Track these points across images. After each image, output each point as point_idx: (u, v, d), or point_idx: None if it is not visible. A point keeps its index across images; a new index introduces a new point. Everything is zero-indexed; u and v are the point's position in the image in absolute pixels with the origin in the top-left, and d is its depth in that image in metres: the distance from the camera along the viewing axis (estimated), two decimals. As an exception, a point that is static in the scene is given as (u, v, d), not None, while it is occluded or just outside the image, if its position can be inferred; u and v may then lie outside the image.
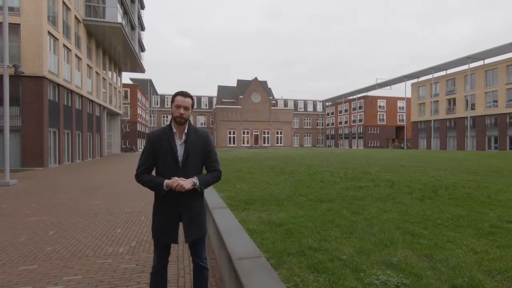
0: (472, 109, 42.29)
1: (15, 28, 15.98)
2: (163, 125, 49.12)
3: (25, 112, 16.02)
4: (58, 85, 18.40)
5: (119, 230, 4.78)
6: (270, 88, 64.75)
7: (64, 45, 19.31)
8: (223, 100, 62.61)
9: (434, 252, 2.78)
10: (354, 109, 66.98)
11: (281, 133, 57.53)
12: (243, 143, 54.98)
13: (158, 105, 67.68)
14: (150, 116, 65.21)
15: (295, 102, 77.88)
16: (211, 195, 5.19)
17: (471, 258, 2.64)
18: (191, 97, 2.11)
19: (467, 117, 42.45)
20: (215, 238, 3.63)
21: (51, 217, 5.58)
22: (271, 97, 59.27)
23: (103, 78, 28.63)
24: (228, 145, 53.90)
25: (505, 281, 2.19)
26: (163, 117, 68.18)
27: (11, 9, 16.29)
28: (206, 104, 71.65)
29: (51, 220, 5.37)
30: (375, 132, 63.95)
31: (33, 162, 16.02)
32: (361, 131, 64.42)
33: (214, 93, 70.74)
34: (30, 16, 16.07)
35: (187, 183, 1.93)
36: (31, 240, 4.27)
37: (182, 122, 2.05)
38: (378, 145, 63.26)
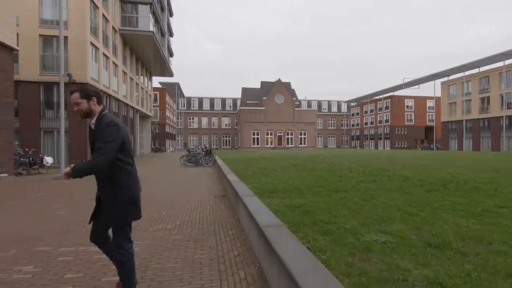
0: (508, 108, 40.20)
1: (64, 40, 17.95)
2: (189, 127, 51.03)
3: (71, 115, 17.94)
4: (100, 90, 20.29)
5: (164, 213, 5.78)
6: (293, 89, 65.13)
7: (104, 54, 21.23)
8: (247, 101, 63.93)
9: (423, 226, 3.42)
10: (380, 109, 65.63)
11: (304, 134, 57.73)
12: (267, 144, 55.83)
13: (185, 107, 70.28)
14: (177, 118, 67.95)
15: (319, 103, 77.61)
16: (240, 185, 6.15)
17: (452, 229, 3.25)
18: (77, 91, 2.26)
19: (502, 117, 40.42)
20: (245, 217, 4.49)
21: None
22: (294, 98, 59.67)
23: (136, 82, 30.74)
24: (252, 146, 54.98)
25: (471, 243, 2.80)
26: (189, 118, 70.70)
27: (58, 22, 18.32)
28: (230, 106, 73.37)
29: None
30: (402, 132, 62.25)
31: (78, 159, 17.86)
32: (388, 132, 62.99)
33: (238, 94, 72.27)
34: (76, 29, 17.96)
35: (65, 170, 2.17)
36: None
37: (81, 116, 2.30)
38: (405, 146, 61.51)
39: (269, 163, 15.14)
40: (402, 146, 61.47)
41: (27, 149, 12.91)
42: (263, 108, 56.13)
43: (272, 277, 2.67)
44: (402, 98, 62.74)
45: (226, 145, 70.35)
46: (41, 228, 4.64)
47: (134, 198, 2.38)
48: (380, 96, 65.81)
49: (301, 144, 57.35)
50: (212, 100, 73.17)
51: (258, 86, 64.75)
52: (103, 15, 21.18)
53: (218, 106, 72.95)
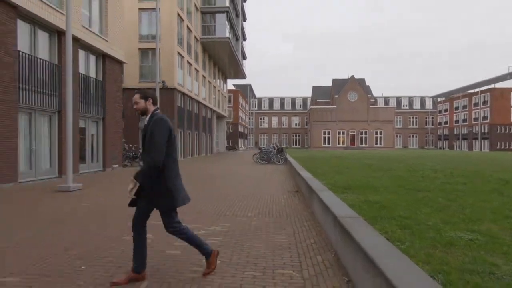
0: None
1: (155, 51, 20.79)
2: (260, 126, 52.50)
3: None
4: (183, 94, 22.81)
5: (244, 202, 6.37)
6: (368, 86, 61.21)
7: (188, 61, 23.75)
8: (317, 100, 62.77)
9: (523, 230, 3.09)
10: (476, 104, 56.53)
11: (381, 133, 53.74)
12: (338, 144, 53.86)
13: (256, 108, 72.82)
14: (249, 118, 70.91)
15: (398, 100, 71.11)
16: (314, 181, 6.40)
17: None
18: (138, 92, 2.67)
19: None
20: (320, 210, 4.71)
21: (191, 193, 7.73)
22: (369, 95, 56.05)
23: (213, 85, 33.37)
24: (323, 145, 53.76)
25: None
26: (260, 118, 72.97)
27: (153, 36, 21.28)
28: (300, 105, 73.08)
29: (192, 195, 7.48)
30: (505, 131, 52.39)
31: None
32: (486, 131, 53.86)
33: (308, 94, 71.41)
34: (166, 41, 20.56)
35: (129, 188, 2.55)
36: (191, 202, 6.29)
37: (138, 113, 2.68)
38: (510, 147, 51.59)
39: (341, 162, 14.83)
40: (505, 147, 51.73)
41: (130, 145, 15.46)
42: (335, 106, 54.31)
43: (349, 261, 2.87)
44: (506, 91, 52.84)
45: (295, 145, 70.40)
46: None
47: (176, 186, 2.65)
48: (476, 90, 56.64)
49: (376, 144, 53.56)
50: (282, 100, 74.03)
51: (329, 84, 62.92)
52: (187, 27, 23.70)
53: (288, 106, 73.44)
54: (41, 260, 3.11)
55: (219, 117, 39.56)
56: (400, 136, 68.10)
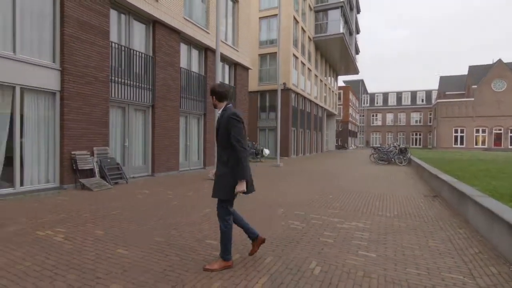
0: None
1: (273, 55, 22.26)
2: (372, 124, 48.63)
3: (277, 115, 21.99)
4: (297, 93, 23.59)
5: (378, 203, 6.26)
6: (522, 71, 47.82)
7: (302, 62, 24.40)
8: (446, 93, 53.33)
9: None
10: None
11: (542, 131, 41.31)
12: (476, 144, 44.43)
13: (368, 104, 67.89)
14: (360, 115, 66.76)
15: None
16: (463, 186, 5.75)
17: None
18: (211, 89, 2.96)
19: None
20: (481, 218, 4.23)
21: (322, 189, 8.03)
22: (524, 83, 43.77)
23: (324, 84, 33.08)
24: (453, 145, 45.46)
25: None
26: (372, 115, 67.58)
27: (271, 42, 22.86)
28: (422, 99, 63.82)
29: (315, 188, 7.76)
30: None
31: (283, 153, 21.60)
32: None
33: (433, 85, 61.52)
34: (283, 44, 21.70)
35: (238, 187, 2.77)
36: (321, 197, 6.61)
37: (213, 106, 3.00)
38: None
39: (491, 166, 12.35)
40: None
41: (254, 143, 17.16)
42: (472, 99, 44.96)
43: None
44: None
45: (415, 144, 61.95)
46: (290, 199, 6.33)
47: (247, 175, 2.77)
48: None
49: (535, 145, 41.47)
50: (399, 94, 66.41)
51: (462, 73, 52.49)
52: (302, 28, 24.33)
53: (406, 101, 65.29)
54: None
55: (329, 115, 38.92)
56: None
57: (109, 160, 7.74)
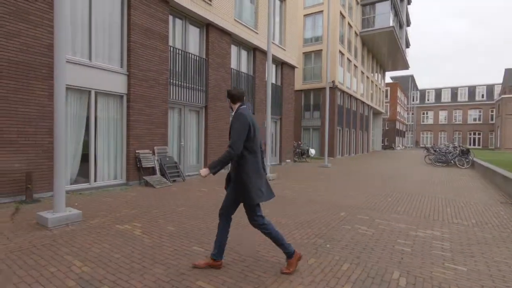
0: None
1: (318, 53, 21.75)
2: (422, 123, 45.29)
3: (323, 114, 21.45)
4: (343, 91, 22.77)
5: (448, 209, 5.74)
6: None
7: (348, 59, 23.49)
8: (512, 87, 47.55)
9: None
10: None
11: None
12: (550, 145, 39.04)
13: (418, 101, 63.31)
14: (408, 113, 62.53)
15: None
16: None
17: None
18: (227, 91, 2.95)
19: None
20: None
21: (370, 190, 7.60)
22: None
23: (371, 80, 31.51)
24: (521, 146, 40.43)
25: None
26: (423, 113, 62.82)
27: (315, 39, 22.35)
28: (482, 95, 57.73)
29: (372, 191, 7.34)
30: None
31: (328, 153, 21.00)
32: None
33: (495, 79, 55.27)
34: (330, 41, 21.09)
35: (202, 171, 2.65)
36: (380, 200, 6.25)
37: (231, 109, 2.94)
38: None
39: None
40: None
41: (299, 142, 16.93)
42: (545, 93, 39.58)
43: None
44: None
45: (473, 144, 56.29)
46: (344, 202, 6.09)
47: (252, 181, 2.67)
48: None
49: None
50: (454, 90, 60.89)
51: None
52: (348, 23, 23.42)
53: (463, 97, 59.58)
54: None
55: (376, 113, 37.02)
56: None
57: (167, 159, 8.15)
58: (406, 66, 36.85)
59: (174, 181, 8.10)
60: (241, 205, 2.83)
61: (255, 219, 2.77)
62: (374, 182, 9.00)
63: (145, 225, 4.22)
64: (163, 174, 7.87)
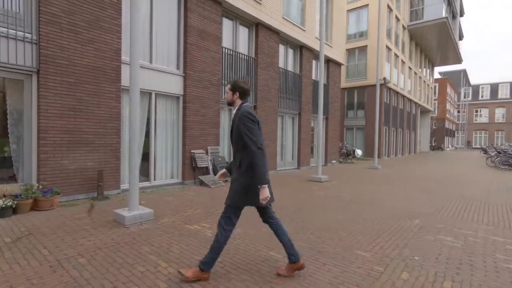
0: None
1: (362, 49, 20.79)
2: (475, 121, 41.36)
3: (367, 113, 20.46)
4: (389, 89, 21.53)
5: (538, 219, 5.02)
6: None
7: (395, 54, 22.17)
8: None
9: None
10: None
11: None
12: None
13: (470, 98, 58.11)
14: (458, 111, 57.65)
15: None
16: None
17: None
18: (230, 83, 2.73)
19: None
20: None
21: (435, 195, 6.93)
22: None
23: (419, 76, 29.48)
24: None
25: None
26: (475, 111, 57.52)
27: (360, 35, 21.40)
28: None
29: (438, 197, 6.68)
30: None
31: (373, 154, 19.96)
32: None
33: None
34: (374, 36, 20.08)
35: (263, 197, 2.43)
36: (453, 207, 5.66)
37: (227, 103, 2.75)
38: None
39: None
40: None
41: (345, 142, 16.29)
42: None
43: None
44: None
45: (538, 146, 50.27)
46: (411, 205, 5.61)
47: (248, 186, 2.47)
48: None
49: None
50: (514, 84, 54.90)
51: None
52: (396, 16, 22.09)
53: (525, 92, 53.52)
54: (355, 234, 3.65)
55: (423, 111, 34.63)
56: None
57: (220, 159, 8.21)
58: (458, 60, 33.94)
59: (226, 181, 8.13)
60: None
61: (226, 221, 2.56)
62: (436, 187, 8.28)
63: (213, 226, 4.20)
64: (216, 173, 7.94)
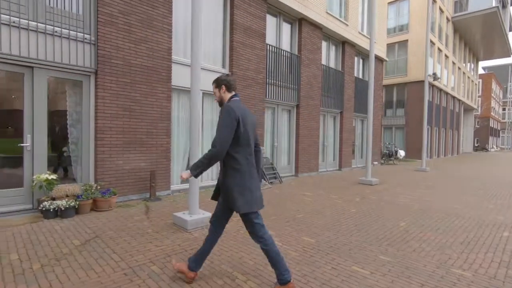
0: None
1: (403, 43, 19.64)
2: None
3: (408, 112, 19.31)
4: (432, 85, 20.17)
5: None
6: None
7: (438, 48, 20.74)
8: None
9: None
10: None
11: None
12: None
13: (517, 94, 53.37)
14: (504, 109, 53.29)
15: None
16: None
17: None
18: (213, 82, 2.50)
19: None
20: None
21: (505, 200, 6.16)
22: None
23: (463, 72, 27.48)
24: None
25: None
26: (524, 108, 52.74)
27: (400, 29, 20.24)
28: None
29: (499, 203, 5.92)
30: None
31: (416, 155, 18.82)
32: None
33: None
34: (416, 30, 18.90)
35: (184, 174, 2.29)
36: (494, 207, 4.94)
37: (219, 105, 2.50)
38: None
39: None
40: None
41: (388, 143, 15.44)
42: None
43: None
44: None
45: None
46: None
47: (240, 187, 2.27)
48: None
49: None
50: None
51: None
52: (439, 8, 20.67)
53: None
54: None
55: (466, 109, 32.28)
56: None
57: (264, 160, 7.95)
58: (506, 53, 31.26)
59: (271, 182, 7.86)
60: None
61: (254, 229, 2.35)
62: (501, 192, 7.43)
63: (278, 233, 3.92)
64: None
